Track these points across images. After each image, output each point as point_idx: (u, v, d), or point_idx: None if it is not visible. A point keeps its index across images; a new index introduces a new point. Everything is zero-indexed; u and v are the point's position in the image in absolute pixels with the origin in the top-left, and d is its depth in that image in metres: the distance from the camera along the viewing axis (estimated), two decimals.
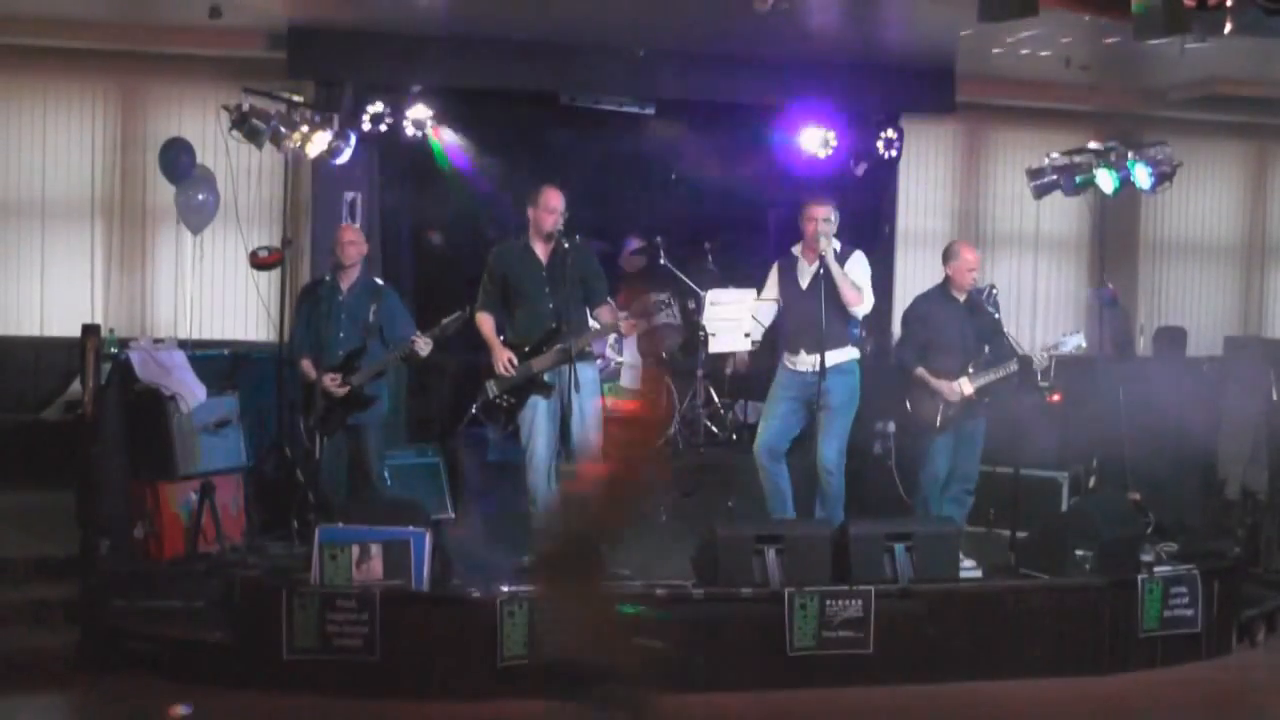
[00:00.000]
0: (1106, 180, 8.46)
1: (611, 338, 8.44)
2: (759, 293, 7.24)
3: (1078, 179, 8.59)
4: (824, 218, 6.85)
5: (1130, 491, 7.82)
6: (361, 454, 7.19)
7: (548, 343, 6.71)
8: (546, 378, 6.72)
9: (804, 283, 6.96)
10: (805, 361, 6.91)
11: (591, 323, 6.97)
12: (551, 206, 6.76)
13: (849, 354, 6.99)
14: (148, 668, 6.05)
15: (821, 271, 6.79)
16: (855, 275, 6.92)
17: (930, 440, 7.17)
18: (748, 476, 7.47)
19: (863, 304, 6.92)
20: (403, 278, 9.12)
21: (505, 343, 6.81)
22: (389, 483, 7.55)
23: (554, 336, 6.68)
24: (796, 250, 7.08)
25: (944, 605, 6.35)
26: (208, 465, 7.25)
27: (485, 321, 6.89)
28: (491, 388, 6.80)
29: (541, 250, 6.84)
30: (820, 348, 6.71)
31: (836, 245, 6.88)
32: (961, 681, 6.29)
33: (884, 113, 9.98)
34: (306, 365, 7.17)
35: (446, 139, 9.29)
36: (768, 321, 7.12)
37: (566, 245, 6.74)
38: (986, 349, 7.15)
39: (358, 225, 8.76)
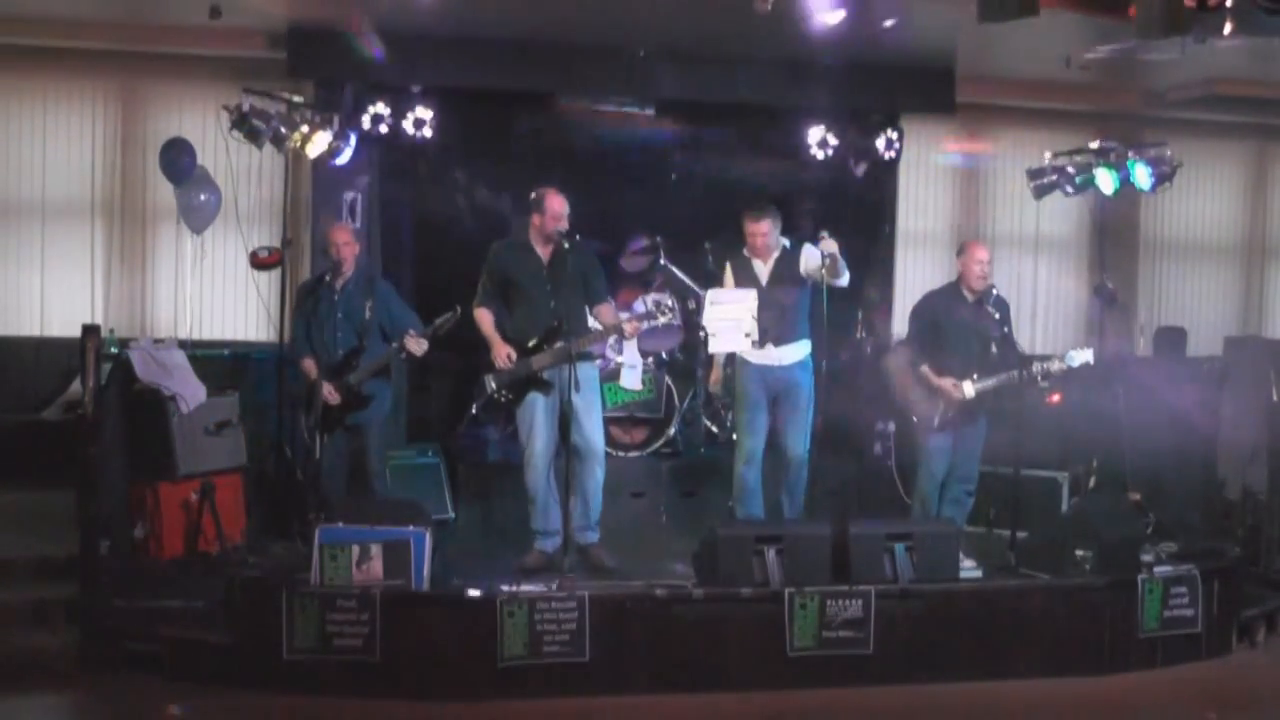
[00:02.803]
0: (1106, 180, 8.46)
1: (611, 337, 8.43)
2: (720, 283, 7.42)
3: (1078, 179, 8.58)
4: (763, 232, 7.06)
5: (1130, 491, 7.82)
6: (362, 453, 7.19)
7: (548, 341, 6.70)
8: (546, 375, 6.72)
9: (763, 279, 7.14)
10: (768, 355, 7.09)
11: (593, 323, 6.96)
12: (556, 212, 6.76)
13: (808, 348, 7.18)
14: (148, 668, 6.04)
15: (780, 271, 7.06)
16: (811, 263, 7.01)
17: (928, 440, 7.18)
18: None
19: (842, 276, 6.95)
20: (403, 278, 9.12)
21: (505, 339, 6.80)
22: (389, 483, 7.55)
23: (554, 335, 6.67)
24: (746, 251, 7.23)
25: (944, 605, 6.35)
26: (208, 465, 7.26)
27: (484, 317, 6.88)
28: (490, 383, 6.79)
29: (542, 250, 6.84)
30: (792, 339, 7.05)
31: (785, 242, 7.14)
32: (961, 681, 6.28)
33: (884, 113, 9.98)
34: (308, 365, 7.16)
35: None
36: None
37: (567, 245, 6.73)
38: (994, 349, 7.14)
39: (357, 225, 8.76)
